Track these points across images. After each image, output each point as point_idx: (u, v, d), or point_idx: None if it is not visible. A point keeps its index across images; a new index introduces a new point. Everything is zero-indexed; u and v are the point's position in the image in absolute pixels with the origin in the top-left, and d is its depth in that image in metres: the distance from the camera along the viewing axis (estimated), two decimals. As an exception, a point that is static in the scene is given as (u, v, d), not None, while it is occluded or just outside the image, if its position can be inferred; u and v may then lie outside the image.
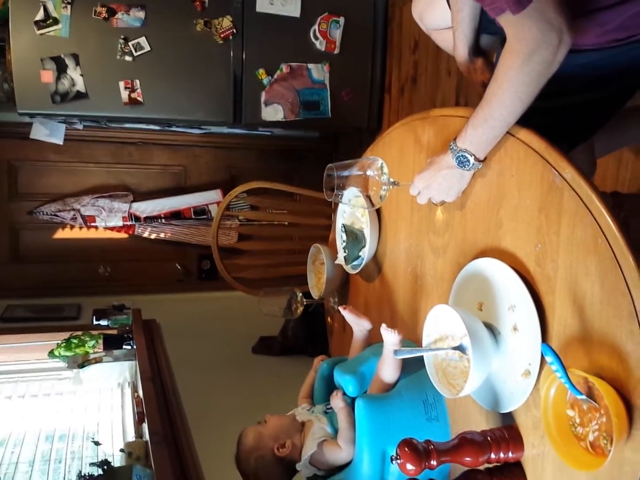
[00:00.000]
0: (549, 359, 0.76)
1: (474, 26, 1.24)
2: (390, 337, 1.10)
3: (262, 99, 3.19)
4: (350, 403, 1.17)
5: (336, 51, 3.23)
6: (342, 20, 3.19)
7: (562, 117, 1.10)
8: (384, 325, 1.10)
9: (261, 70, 3.16)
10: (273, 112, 3.22)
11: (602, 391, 0.73)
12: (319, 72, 3.22)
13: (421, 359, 1.04)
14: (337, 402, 1.19)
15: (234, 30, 3.08)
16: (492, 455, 0.89)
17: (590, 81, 1.07)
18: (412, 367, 1.16)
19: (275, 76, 3.18)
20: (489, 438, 0.90)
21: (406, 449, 0.84)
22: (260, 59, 3.16)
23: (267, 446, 1.20)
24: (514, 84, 0.87)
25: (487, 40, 1.25)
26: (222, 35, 3.07)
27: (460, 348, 0.94)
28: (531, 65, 0.85)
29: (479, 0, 0.86)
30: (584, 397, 0.76)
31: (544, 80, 0.87)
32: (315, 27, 3.18)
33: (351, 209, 1.52)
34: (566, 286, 0.82)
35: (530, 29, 0.82)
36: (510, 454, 0.90)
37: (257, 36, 3.13)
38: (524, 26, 0.83)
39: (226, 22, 3.06)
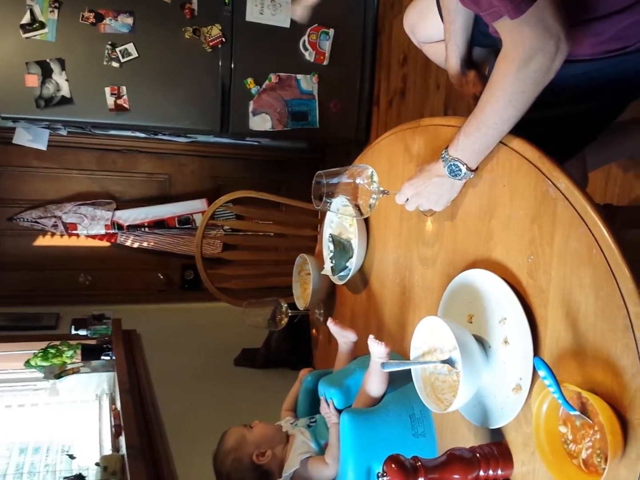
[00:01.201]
0: (541, 373, 0.74)
1: (466, 38, 1.23)
2: (377, 349, 1.07)
3: (250, 108, 3.17)
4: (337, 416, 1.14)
5: (325, 62, 3.23)
6: (331, 31, 3.20)
7: (554, 129, 1.09)
8: (371, 337, 1.08)
9: (249, 80, 3.14)
10: (261, 122, 3.20)
11: (596, 407, 0.70)
12: (307, 82, 3.21)
13: (408, 372, 1.01)
14: (332, 417, 1.16)
15: (223, 39, 3.06)
16: (481, 473, 0.86)
17: (584, 92, 1.06)
18: (399, 381, 1.13)
19: (264, 86, 3.16)
20: (477, 455, 0.87)
21: (393, 466, 0.81)
22: (248, 69, 3.15)
23: (247, 451, 1.18)
24: (508, 92, 0.86)
25: (480, 53, 1.25)
26: (210, 44, 3.06)
27: (449, 361, 0.92)
28: (527, 73, 0.83)
29: (475, 6, 0.84)
30: (577, 413, 0.74)
31: (539, 89, 0.85)
32: (305, 37, 3.18)
33: (339, 219, 1.49)
34: (559, 298, 0.80)
35: (528, 35, 0.81)
36: (499, 472, 0.87)
37: (246, 45, 3.12)
38: (522, 32, 0.81)
39: (215, 30, 3.05)
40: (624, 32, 0.93)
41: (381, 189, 1.11)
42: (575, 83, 1.01)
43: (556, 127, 1.07)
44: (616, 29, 0.93)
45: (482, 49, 1.28)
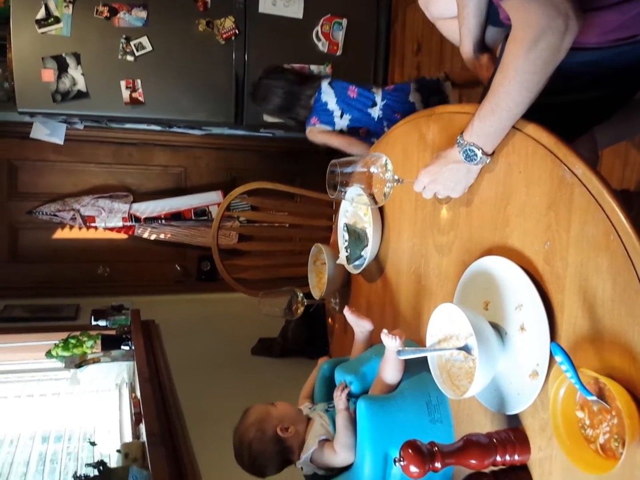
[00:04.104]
0: (558, 358, 0.74)
1: (479, 22, 1.23)
2: (391, 343, 1.07)
3: (264, 100, 3.17)
4: (354, 401, 1.15)
5: (338, 52, 3.22)
6: (344, 21, 3.18)
7: (564, 114, 1.08)
8: (384, 331, 1.08)
9: (263, 71, 3.14)
10: (275, 114, 3.20)
11: (614, 392, 0.70)
12: (321, 73, 3.20)
13: (424, 359, 1.01)
14: (339, 403, 1.16)
15: (236, 31, 3.07)
16: (498, 458, 0.87)
17: (593, 79, 1.05)
18: (415, 368, 1.14)
19: (278, 77, 3.16)
20: (494, 440, 0.88)
21: (410, 451, 0.81)
22: (262, 60, 3.13)
23: (272, 424, 1.19)
24: (520, 72, 0.85)
25: (494, 34, 1.24)
26: (224, 36, 3.06)
27: (465, 348, 0.92)
28: (537, 52, 0.83)
29: None
30: (594, 398, 0.74)
31: (551, 69, 0.85)
32: (318, 28, 3.17)
33: (354, 208, 1.50)
34: (576, 284, 0.80)
35: (536, 13, 0.81)
36: (516, 457, 0.87)
37: (260, 37, 3.12)
38: (529, 11, 0.81)
39: (228, 22, 3.05)
40: (632, 21, 0.92)
41: (395, 177, 1.11)
42: (584, 70, 1.01)
43: (566, 112, 1.07)
44: (625, 18, 0.92)
45: (496, 29, 1.28)
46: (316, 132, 2.14)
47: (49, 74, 2.92)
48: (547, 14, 0.81)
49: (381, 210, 1.42)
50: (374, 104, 2.07)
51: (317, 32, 3.18)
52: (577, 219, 0.81)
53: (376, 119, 2.08)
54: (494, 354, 0.90)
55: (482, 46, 1.29)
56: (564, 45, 0.83)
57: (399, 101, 2.09)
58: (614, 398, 0.71)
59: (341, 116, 2.05)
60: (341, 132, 2.12)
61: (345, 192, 1.19)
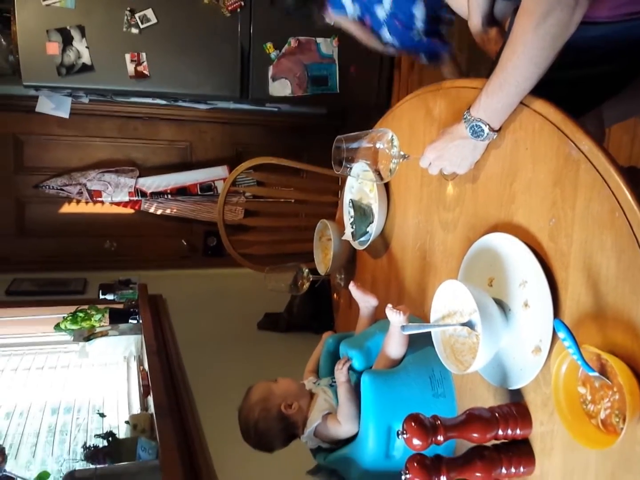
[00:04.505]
0: (561, 334, 0.75)
1: None
2: (395, 318, 1.08)
3: (270, 73, 3.15)
4: (357, 377, 1.16)
5: (345, 25, 3.17)
6: (352, -7, 3.12)
7: (574, 89, 1.07)
8: (389, 306, 1.09)
9: (269, 44, 3.11)
10: (280, 87, 3.18)
11: (615, 368, 0.71)
12: (327, 46, 3.17)
13: (428, 335, 1.02)
14: (339, 375, 1.18)
15: (242, 3, 3.03)
16: (500, 432, 0.88)
17: (604, 54, 1.03)
18: (419, 343, 1.15)
19: (284, 50, 3.13)
20: (496, 414, 0.89)
21: (413, 424, 0.83)
22: (268, 33, 3.11)
23: (275, 402, 1.21)
24: (529, 48, 0.84)
25: (502, 7, 1.22)
26: (229, 8, 3.02)
27: (469, 324, 0.93)
28: (546, 28, 0.82)
29: None
30: (596, 374, 0.74)
31: (560, 44, 0.84)
32: None
33: (359, 184, 1.49)
34: (580, 261, 0.80)
35: None
36: (518, 431, 0.89)
37: (265, 9, 3.07)
38: None
39: (234, -6, 3.01)
40: None
41: (401, 153, 1.11)
42: (595, 45, 0.99)
43: (575, 87, 1.05)
44: None
45: (505, 2, 1.25)
46: (336, 20, 1.95)
47: (53, 47, 2.90)
48: None
49: (387, 186, 1.41)
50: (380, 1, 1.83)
51: (324, 4, 3.12)
52: (582, 195, 0.80)
53: (380, 21, 1.88)
54: (498, 330, 0.90)
55: (490, 20, 1.27)
56: (573, 21, 0.82)
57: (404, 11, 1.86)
58: (615, 374, 0.72)
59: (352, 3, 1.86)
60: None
61: (350, 168, 1.19)
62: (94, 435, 2.20)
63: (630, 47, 1.02)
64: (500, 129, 0.96)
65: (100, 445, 2.09)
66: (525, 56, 0.85)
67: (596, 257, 0.78)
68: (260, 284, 1.77)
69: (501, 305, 0.94)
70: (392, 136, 1.10)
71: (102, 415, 2.42)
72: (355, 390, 1.15)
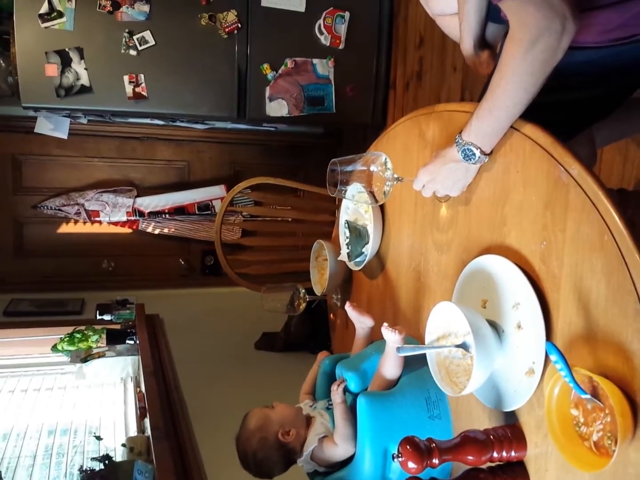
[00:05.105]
0: (553, 357, 0.75)
1: (479, 18, 1.23)
2: (391, 337, 1.09)
3: (267, 94, 3.18)
4: (353, 399, 1.16)
5: (341, 46, 3.21)
6: (347, 15, 3.17)
7: (563, 112, 1.09)
8: (385, 325, 1.09)
9: (266, 65, 3.14)
10: (277, 108, 3.21)
11: (607, 391, 0.71)
12: (323, 67, 3.20)
13: (424, 356, 1.03)
14: (335, 396, 1.18)
15: (239, 25, 3.06)
16: (495, 454, 0.88)
17: (592, 78, 1.05)
18: (415, 365, 1.15)
19: (280, 71, 3.16)
20: (491, 437, 0.89)
21: (408, 447, 0.83)
22: (265, 54, 3.14)
23: (273, 430, 1.20)
24: (517, 74, 0.86)
25: (494, 31, 1.24)
26: (226, 30, 3.06)
27: (463, 346, 0.93)
28: (534, 54, 0.83)
29: None
30: (588, 396, 0.75)
31: (549, 70, 0.85)
32: (320, 21, 3.16)
33: (355, 205, 1.51)
34: (571, 284, 0.81)
35: (534, 14, 0.81)
36: (513, 453, 0.89)
37: (262, 31, 3.11)
38: (527, 12, 0.81)
39: (231, 16, 3.05)
40: (631, 21, 0.92)
41: (395, 175, 1.12)
42: (582, 70, 1.01)
43: (565, 110, 1.07)
44: (625, 17, 0.92)
45: (496, 26, 1.28)
46: None
47: (52, 69, 2.93)
48: (545, 16, 0.81)
49: (382, 207, 1.43)
50: None
51: (320, 25, 3.17)
52: (572, 219, 0.81)
53: None
54: (491, 351, 0.91)
55: (482, 43, 1.29)
56: (561, 46, 0.84)
57: None
58: (607, 396, 0.72)
59: None
60: None
61: (345, 191, 1.20)
62: (90, 459, 2.18)
63: (618, 72, 1.04)
64: (491, 152, 0.98)
65: (97, 469, 2.07)
66: (514, 81, 0.87)
67: (587, 279, 0.79)
68: (257, 303, 1.77)
69: (495, 326, 0.95)
70: (386, 159, 1.12)
71: (98, 438, 2.41)
72: (352, 412, 1.15)
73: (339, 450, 1.15)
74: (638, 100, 1.18)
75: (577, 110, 1.09)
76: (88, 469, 2.07)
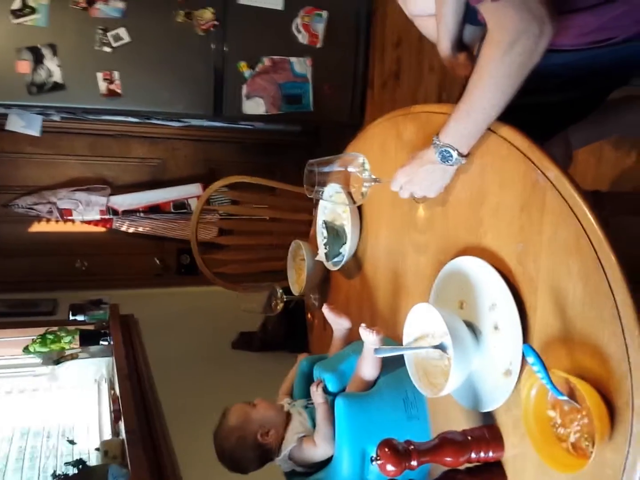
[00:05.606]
0: (530, 359, 0.75)
1: (457, 20, 1.23)
2: (369, 338, 1.08)
3: (244, 92, 3.15)
4: (331, 400, 1.16)
5: (319, 45, 3.21)
6: (325, 13, 3.17)
7: (540, 114, 1.09)
8: (363, 326, 1.09)
9: (242, 63, 3.12)
10: (255, 106, 3.19)
11: (583, 392, 0.72)
12: (301, 65, 3.19)
13: (401, 357, 1.03)
14: (317, 397, 1.17)
15: (216, 22, 3.03)
16: (473, 455, 0.88)
17: (569, 81, 1.06)
18: (392, 365, 1.15)
19: (257, 69, 3.14)
20: (469, 437, 0.89)
21: (386, 450, 0.83)
22: (241, 52, 3.12)
23: (252, 429, 1.19)
24: (495, 76, 0.86)
25: (471, 32, 1.24)
26: (203, 27, 3.03)
27: (440, 347, 0.93)
28: (512, 56, 0.84)
29: None
30: (565, 398, 0.75)
31: (526, 72, 0.86)
32: (298, 20, 3.15)
33: (332, 205, 1.50)
34: (548, 286, 0.82)
35: (512, 17, 0.81)
36: (490, 454, 0.89)
37: (239, 28, 3.09)
38: (505, 15, 0.82)
39: (207, 13, 3.02)
40: (610, 24, 0.93)
41: (373, 176, 1.12)
42: (560, 72, 1.02)
43: (541, 112, 1.08)
44: (602, 20, 0.93)
45: (474, 27, 1.28)
46: None
47: (24, 66, 2.87)
48: (523, 19, 0.81)
49: (359, 207, 1.42)
50: None
51: (297, 24, 3.16)
52: (549, 222, 0.82)
53: None
54: (469, 352, 0.91)
55: (459, 45, 1.29)
56: (538, 49, 0.84)
57: None
58: (584, 398, 0.73)
59: None
60: None
61: (323, 192, 1.20)
62: (64, 463, 2.14)
63: (594, 75, 1.05)
64: (468, 154, 0.98)
65: (70, 474, 2.03)
66: (491, 84, 0.87)
67: (563, 282, 0.79)
68: (234, 302, 1.76)
69: (472, 328, 0.95)
70: (364, 160, 1.11)
71: (72, 442, 2.36)
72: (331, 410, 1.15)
73: (318, 450, 1.14)
74: (614, 102, 1.20)
75: (554, 112, 1.10)
76: (62, 474, 2.03)
